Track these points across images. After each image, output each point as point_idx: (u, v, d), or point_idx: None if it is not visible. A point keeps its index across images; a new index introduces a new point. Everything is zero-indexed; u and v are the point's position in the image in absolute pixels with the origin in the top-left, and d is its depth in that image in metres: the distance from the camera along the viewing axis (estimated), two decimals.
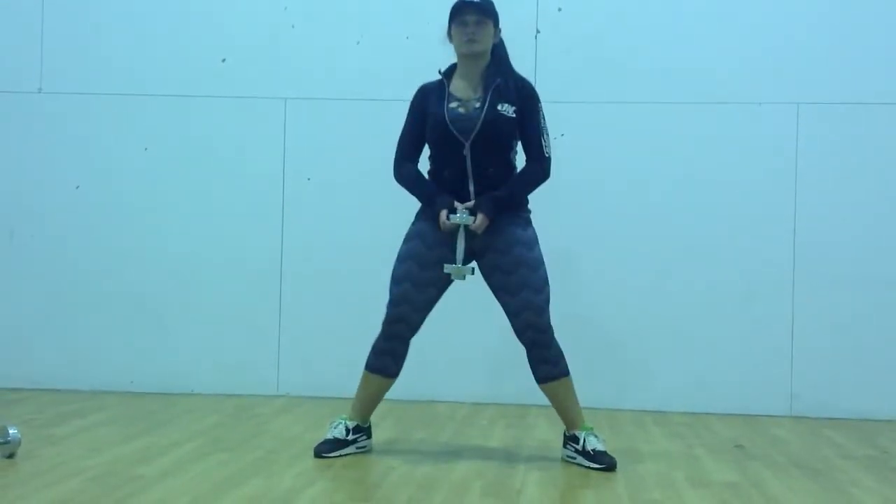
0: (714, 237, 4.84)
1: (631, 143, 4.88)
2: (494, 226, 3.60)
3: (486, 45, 3.66)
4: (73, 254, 5.06)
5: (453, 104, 3.64)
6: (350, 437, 3.72)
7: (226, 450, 3.71)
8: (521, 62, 3.90)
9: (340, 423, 3.74)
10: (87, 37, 5.10)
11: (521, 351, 3.67)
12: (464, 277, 3.60)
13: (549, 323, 3.63)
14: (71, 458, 3.49)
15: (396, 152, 3.77)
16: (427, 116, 3.68)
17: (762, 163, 4.83)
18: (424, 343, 3.80)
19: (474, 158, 3.61)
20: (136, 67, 5.08)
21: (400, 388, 3.80)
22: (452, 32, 3.68)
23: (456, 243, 3.59)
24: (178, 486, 3.15)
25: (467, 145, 3.60)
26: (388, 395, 3.81)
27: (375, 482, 3.38)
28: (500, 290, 3.65)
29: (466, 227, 3.57)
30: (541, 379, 3.67)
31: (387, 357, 3.72)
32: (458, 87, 3.69)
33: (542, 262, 3.66)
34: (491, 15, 3.66)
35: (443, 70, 3.73)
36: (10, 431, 3.47)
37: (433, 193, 3.65)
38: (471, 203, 3.60)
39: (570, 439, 3.68)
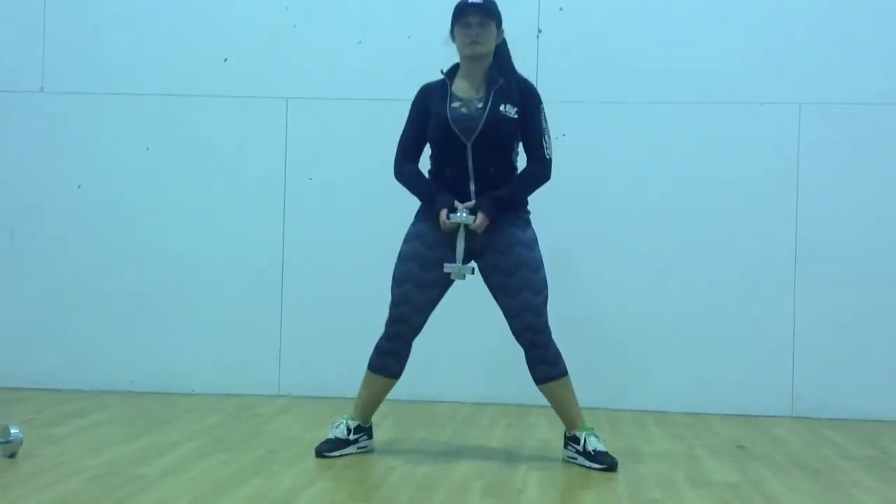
0: (715, 237, 4.84)
1: (632, 142, 4.88)
2: (494, 226, 3.60)
3: (490, 46, 3.66)
4: (73, 253, 5.06)
5: (456, 104, 3.64)
6: (351, 436, 3.72)
7: (226, 450, 3.71)
8: (523, 62, 3.90)
9: (342, 422, 3.74)
10: (88, 36, 5.10)
11: (522, 351, 3.67)
12: (464, 277, 3.60)
13: (548, 324, 3.63)
14: (72, 458, 3.49)
15: (397, 151, 3.77)
16: (429, 116, 3.68)
17: (763, 163, 4.83)
18: (425, 343, 3.79)
19: (476, 159, 3.61)
20: (137, 67, 5.08)
21: (401, 387, 3.80)
22: (455, 33, 3.67)
23: (456, 243, 3.59)
24: (178, 486, 3.16)
25: (469, 145, 3.60)
26: (388, 395, 3.81)
27: (376, 482, 3.38)
28: (500, 290, 3.65)
29: (466, 226, 3.57)
30: (539, 379, 3.67)
31: (389, 357, 3.72)
32: (460, 87, 3.69)
33: (542, 264, 3.66)
34: (494, 16, 3.66)
35: (445, 70, 3.73)
36: (12, 431, 3.47)
37: (433, 193, 3.65)
38: (471, 203, 3.60)
39: (570, 440, 3.68)
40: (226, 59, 5.06)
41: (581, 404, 3.72)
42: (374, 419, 3.85)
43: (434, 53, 3.75)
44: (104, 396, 4.83)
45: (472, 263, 3.67)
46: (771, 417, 4.73)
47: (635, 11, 4.93)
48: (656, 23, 4.92)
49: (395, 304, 3.69)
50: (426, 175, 3.74)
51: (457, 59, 3.74)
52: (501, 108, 3.62)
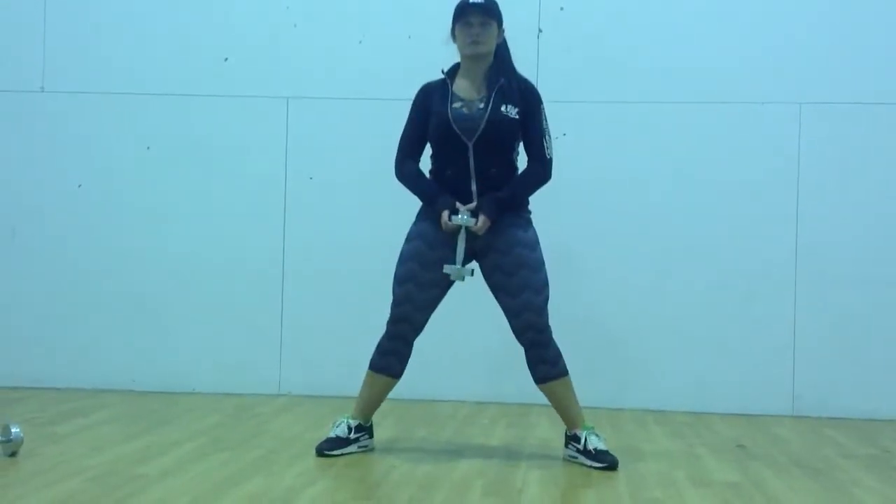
0: (715, 237, 4.84)
1: (633, 142, 4.88)
2: (496, 226, 3.61)
3: (491, 46, 3.66)
4: (74, 252, 5.06)
5: (457, 104, 3.64)
6: (352, 435, 3.73)
7: (227, 449, 3.71)
8: (523, 61, 3.90)
9: (343, 421, 3.75)
10: (89, 36, 5.10)
11: (522, 350, 3.67)
12: (463, 279, 3.61)
13: (548, 323, 3.64)
14: (72, 457, 3.49)
15: (398, 151, 3.77)
16: (430, 115, 3.68)
17: (764, 162, 4.83)
18: (426, 342, 3.79)
19: (477, 159, 3.61)
20: (137, 67, 5.08)
21: (401, 387, 3.80)
22: (456, 33, 3.67)
23: (456, 244, 3.59)
24: (178, 486, 3.15)
25: (470, 146, 3.60)
26: (389, 394, 3.82)
27: (377, 481, 3.38)
28: (501, 290, 3.65)
29: (468, 228, 3.57)
30: (539, 379, 3.68)
31: (391, 357, 3.72)
32: (461, 87, 3.69)
33: (543, 264, 3.66)
34: (495, 16, 3.66)
35: (446, 70, 3.73)
36: (13, 430, 3.47)
37: (435, 194, 3.65)
38: (472, 205, 3.60)
39: (571, 439, 3.68)
40: (226, 59, 5.06)
41: (582, 403, 3.72)
42: (375, 418, 3.85)
43: (434, 53, 3.75)
44: (105, 395, 4.83)
45: (472, 264, 3.67)
46: (771, 417, 4.73)
47: (636, 11, 4.93)
48: (657, 23, 4.92)
49: (396, 304, 3.69)
50: (427, 175, 3.74)
51: (457, 59, 3.74)
52: (502, 108, 3.62)
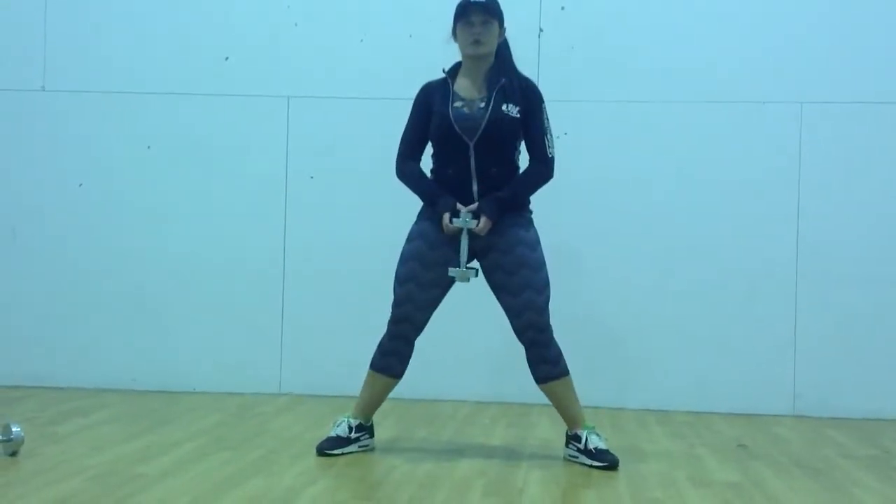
0: (717, 236, 4.84)
1: (634, 141, 4.88)
2: (497, 226, 3.60)
3: (492, 45, 3.66)
4: (75, 252, 5.05)
5: (458, 104, 3.64)
6: (353, 435, 3.73)
7: (227, 449, 3.71)
8: (524, 61, 3.90)
9: (343, 421, 3.75)
10: (89, 35, 5.10)
11: (523, 350, 3.67)
12: (468, 280, 3.61)
13: (549, 323, 3.64)
14: (73, 457, 3.49)
15: (399, 150, 3.77)
16: (431, 115, 3.68)
17: (765, 162, 4.83)
18: (427, 342, 3.79)
19: (478, 158, 3.61)
20: (138, 66, 5.08)
21: (402, 386, 3.80)
22: (458, 32, 3.67)
23: (459, 246, 3.59)
24: (179, 486, 3.15)
25: (471, 145, 3.60)
26: (390, 393, 3.81)
27: (377, 481, 3.38)
28: (502, 289, 3.65)
29: (469, 229, 3.57)
30: (540, 379, 3.68)
31: (392, 357, 3.72)
32: (462, 86, 3.69)
33: (544, 263, 3.66)
34: (496, 15, 3.65)
35: (447, 69, 3.72)
36: (14, 429, 3.47)
37: (436, 194, 3.65)
38: (474, 206, 3.60)
39: (572, 438, 3.68)
40: (227, 58, 5.06)
41: (582, 403, 3.72)
42: (376, 418, 3.85)
43: (435, 52, 3.75)
44: (106, 395, 4.83)
45: (476, 265, 3.67)
46: (772, 416, 4.73)
47: (636, 11, 4.93)
48: (657, 22, 4.91)
49: (397, 304, 3.69)
50: (428, 174, 3.74)
51: (458, 58, 3.74)
52: (504, 107, 3.62)
